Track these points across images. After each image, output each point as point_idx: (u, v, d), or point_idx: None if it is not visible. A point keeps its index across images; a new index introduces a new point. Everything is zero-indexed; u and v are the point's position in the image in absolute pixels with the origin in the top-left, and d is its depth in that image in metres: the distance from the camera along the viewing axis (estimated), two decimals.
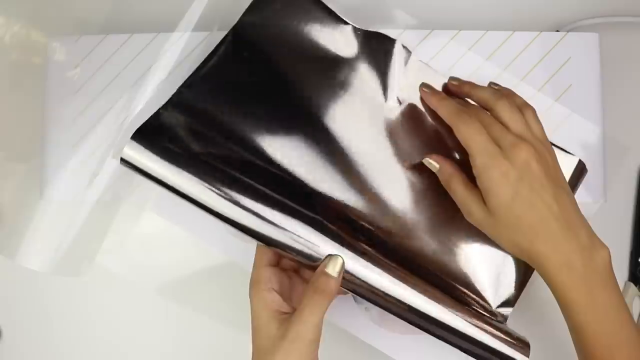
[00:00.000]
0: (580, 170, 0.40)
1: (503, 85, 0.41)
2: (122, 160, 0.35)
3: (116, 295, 0.45)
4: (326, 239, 0.34)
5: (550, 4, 0.45)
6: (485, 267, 0.39)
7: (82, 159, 0.42)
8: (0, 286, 0.46)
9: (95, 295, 0.45)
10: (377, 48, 0.41)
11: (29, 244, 0.42)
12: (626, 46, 0.45)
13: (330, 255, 0.33)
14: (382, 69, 0.40)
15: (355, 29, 0.41)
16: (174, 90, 0.42)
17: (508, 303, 0.39)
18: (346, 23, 0.41)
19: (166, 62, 0.42)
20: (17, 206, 0.44)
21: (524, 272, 0.39)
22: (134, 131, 0.35)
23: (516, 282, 0.39)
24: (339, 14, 0.41)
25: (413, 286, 0.35)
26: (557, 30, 0.44)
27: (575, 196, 0.40)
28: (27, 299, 0.46)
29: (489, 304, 0.39)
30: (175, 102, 0.38)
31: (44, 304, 0.46)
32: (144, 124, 0.36)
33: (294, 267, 0.36)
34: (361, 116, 0.40)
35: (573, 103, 0.42)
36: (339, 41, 0.41)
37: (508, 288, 0.39)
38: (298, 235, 0.34)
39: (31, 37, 0.45)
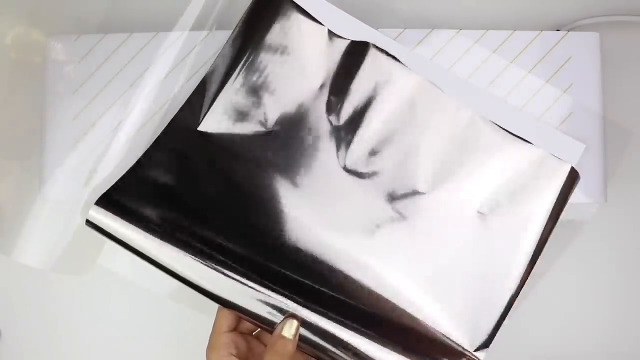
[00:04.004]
0: (573, 179, 0.40)
1: (504, 84, 0.41)
2: (88, 223, 0.37)
3: (116, 295, 0.45)
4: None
5: (551, 3, 0.45)
6: (454, 315, 0.38)
7: (81, 158, 0.42)
8: (0, 286, 0.46)
9: (96, 295, 0.46)
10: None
11: (28, 242, 0.42)
12: (627, 46, 0.45)
13: (286, 318, 0.35)
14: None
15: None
16: (173, 90, 0.42)
17: (484, 346, 0.38)
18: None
19: (166, 62, 0.42)
20: (16, 205, 0.44)
21: (500, 317, 0.38)
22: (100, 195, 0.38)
23: (491, 326, 0.38)
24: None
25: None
26: (558, 30, 0.44)
27: (575, 198, 0.40)
28: (27, 299, 0.46)
29: (467, 350, 0.38)
30: (144, 164, 0.40)
31: (44, 304, 0.46)
32: (111, 187, 0.38)
33: (252, 330, 0.38)
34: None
35: (574, 102, 0.42)
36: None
37: (483, 332, 0.38)
38: (266, 298, 0.36)
39: (30, 36, 0.45)
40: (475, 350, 0.38)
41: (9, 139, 0.45)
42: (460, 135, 0.40)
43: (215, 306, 0.37)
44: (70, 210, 0.41)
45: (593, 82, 0.42)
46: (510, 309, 0.38)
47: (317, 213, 0.40)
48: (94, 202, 0.38)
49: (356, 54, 0.41)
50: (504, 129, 0.40)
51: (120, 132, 0.42)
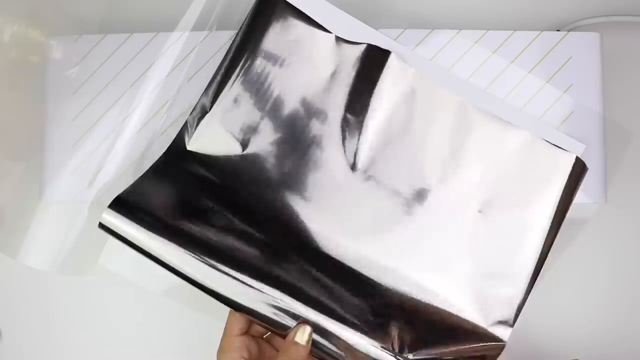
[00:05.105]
0: (580, 168, 0.40)
1: (504, 84, 0.41)
2: (101, 226, 0.37)
3: (117, 295, 0.45)
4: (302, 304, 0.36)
5: (551, 3, 0.45)
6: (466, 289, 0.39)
7: (81, 159, 0.42)
8: (0, 286, 0.46)
9: (96, 295, 0.46)
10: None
11: (30, 243, 0.42)
12: (627, 46, 0.45)
13: (298, 324, 0.35)
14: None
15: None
16: (173, 91, 0.42)
17: (505, 323, 0.39)
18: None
19: (166, 62, 0.42)
20: (17, 205, 0.44)
21: (525, 291, 0.39)
22: (112, 199, 0.37)
23: (514, 301, 0.39)
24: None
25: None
26: (558, 30, 0.44)
27: (575, 198, 0.40)
28: (27, 299, 0.46)
29: (481, 326, 0.39)
30: (157, 169, 0.40)
31: (44, 304, 0.46)
32: (123, 191, 0.38)
33: (263, 332, 0.38)
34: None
35: (574, 102, 0.42)
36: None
37: (502, 308, 0.39)
38: (278, 301, 0.36)
39: (30, 36, 0.45)
40: (490, 326, 0.38)
41: (9, 139, 0.45)
42: (454, 125, 0.41)
43: (218, 307, 0.37)
44: (74, 211, 0.41)
45: (593, 82, 0.42)
46: (532, 284, 0.39)
47: (333, 221, 0.40)
48: (100, 203, 0.38)
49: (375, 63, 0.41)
50: (497, 116, 0.41)
51: (121, 132, 0.42)
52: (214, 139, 0.41)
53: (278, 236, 0.39)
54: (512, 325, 0.39)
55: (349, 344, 0.35)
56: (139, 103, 0.42)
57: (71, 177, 0.42)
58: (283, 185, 0.40)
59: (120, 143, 0.42)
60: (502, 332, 0.38)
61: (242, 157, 0.41)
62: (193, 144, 0.41)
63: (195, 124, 0.41)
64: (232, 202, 0.40)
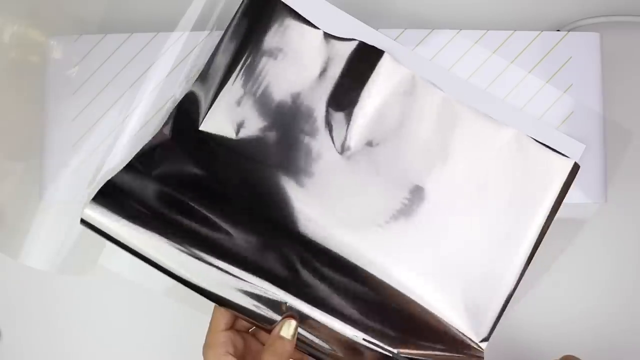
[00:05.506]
0: (574, 173, 0.40)
1: (504, 84, 0.41)
2: (83, 222, 0.37)
3: (117, 295, 0.45)
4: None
5: (551, 3, 0.45)
6: (458, 306, 0.39)
7: (81, 159, 0.42)
8: (0, 286, 0.46)
9: (96, 295, 0.46)
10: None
11: (30, 243, 0.42)
12: (627, 46, 0.45)
13: (284, 318, 0.35)
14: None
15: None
16: (173, 91, 0.42)
17: (486, 339, 0.39)
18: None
19: (166, 62, 0.42)
20: (17, 205, 0.44)
21: (501, 308, 0.39)
22: (96, 191, 0.37)
23: (492, 317, 0.39)
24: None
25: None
26: (558, 30, 0.44)
27: (575, 198, 0.40)
28: (27, 299, 0.46)
29: (473, 340, 0.39)
30: (139, 162, 0.40)
31: (44, 304, 0.46)
32: (104, 184, 0.38)
33: (248, 327, 0.38)
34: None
35: (573, 103, 0.42)
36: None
37: (486, 324, 0.39)
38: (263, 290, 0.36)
39: (30, 36, 0.45)
40: (481, 341, 0.38)
41: (9, 139, 0.45)
42: (444, 124, 0.41)
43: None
44: (74, 211, 0.41)
45: (593, 82, 0.42)
46: (509, 301, 0.39)
47: (325, 208, 0.40)
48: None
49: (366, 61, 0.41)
50: (489, 116, 0.41)
51: (121, 132, 0.42)
52: (215, 124, 0.41)
53: (262, 221, 0.40)
54: (488, 339, 0.39)
55: (334, 333, 0.36)
56: (139, 103, 0.42)
57: (71, 177, 0.42)
58: (276, 167, 0.41)
59: (120, 143, 0.42)
60: (485, 346, 0.39)
61: (237, 140, 0.41)
62: (204, 126, 0.41)
63: (202, 113, 0.41)
64: (223, 182, 0.40)
